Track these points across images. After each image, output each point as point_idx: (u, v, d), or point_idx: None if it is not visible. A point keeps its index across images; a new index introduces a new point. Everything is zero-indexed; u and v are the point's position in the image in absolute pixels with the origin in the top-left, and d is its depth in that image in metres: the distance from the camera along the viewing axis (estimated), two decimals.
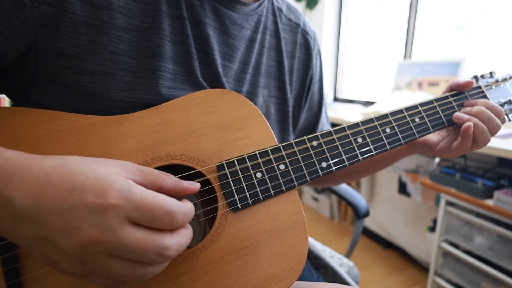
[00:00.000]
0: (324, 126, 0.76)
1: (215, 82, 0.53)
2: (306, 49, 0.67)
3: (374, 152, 0.52)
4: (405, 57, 2.20)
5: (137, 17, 0.46)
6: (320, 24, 2.71)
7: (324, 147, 0.50)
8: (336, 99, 2.84)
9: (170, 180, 0.36)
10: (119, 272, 0.31)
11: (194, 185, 0.38)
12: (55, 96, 0.44)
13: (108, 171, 0.31)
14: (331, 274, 0.83)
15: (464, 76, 1.68)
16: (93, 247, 0.29)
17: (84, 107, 0.44)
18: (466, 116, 0.56)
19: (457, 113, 0.58)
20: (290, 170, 0.47)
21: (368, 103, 2.39)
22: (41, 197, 0.29)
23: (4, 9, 0.39)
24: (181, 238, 0.33)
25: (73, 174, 0.30)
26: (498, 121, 0.56)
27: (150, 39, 0.47)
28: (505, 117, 0.60)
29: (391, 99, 1.90)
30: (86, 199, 0.29)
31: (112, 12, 0.44)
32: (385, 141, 0.53)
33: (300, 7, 2.83)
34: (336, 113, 2.13)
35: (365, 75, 2.63)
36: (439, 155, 0.61)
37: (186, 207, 0.34)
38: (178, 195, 0.37)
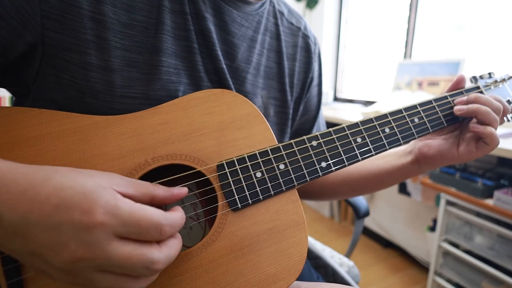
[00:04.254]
0: (320, 130, 0.76)
1: (219, 77, 0.53)
2: (306, 52, 0.67)
3: (373, 152, 0.52)
4: (405, 57, 2.20)
5: (142, 13, 0.46)
6: (320, 24, 2.71)
7: (324, 147, 0.50)
8: (336, 99, 2.84)
9: (160, 189, 0.37)
10: (106, 286, 0.32)
11: (183, 190, 0.39)
12: (63, 91, 0.44)
13: (96, 185, 0.31)
14: (331, 274, 0.83)
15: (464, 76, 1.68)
16: (81, 263, 0.29)
17: (91, 103, 0.44)
18: (465, 107, 0.56)
19: (456, 107, 0.57)
20: (290, 170, 0.47)
21: (368, 103, 2.39)
22: (28, 212, 0.29)
23: (15, 2, 0.39)
24: (170, 250, 0.34)
25: (61, 188, 0.30)
26: (497, 103, 0.55)
27: (155, 34, 0.47)
28: (505, 118, 0.60)
29: (391, 99, 1.90)
30: (72, 216, 0.29)
31: (116, 9, 0.44)
32: (385, 141, 0.53)
33: (300, 7, 2.83)
34: (336, 113, 2.14)
35: (365, 75, 2.63)
36: (464, 159, 0.59)
37: (174, 218, 0.34)
38: (170, 203, 0.38)
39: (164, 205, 0.38)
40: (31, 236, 0.29)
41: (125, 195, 0.33)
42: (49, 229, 0.29)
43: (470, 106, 0.55)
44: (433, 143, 0.61)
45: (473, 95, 0.56)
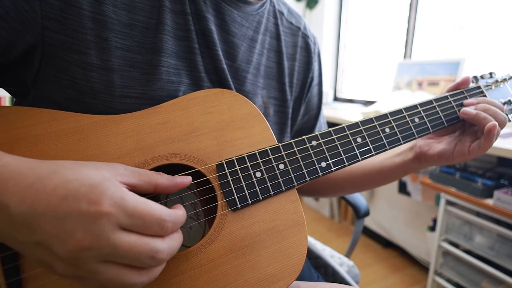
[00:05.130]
0: (322, 129, 0.76)
1: (219, 77, 0.53)
2: (306, 52, 0.68)
3: (373, 152, 0.52)
4: (405, 56, 2.20)
5: (143, 13, 0.46)
6: (320, 24, 2.71)
7: (324, 147, 0.50)
8: (336, 98, 2.84)
9: (163, 177, 0.38)
10: (108, 278, 0.32)
11: (186, 178, 0.40)
12: (62, 91, 0.44)
13: (102, 177, 0.32)
14: (331, 274, 0.83)
15: (464, 75, 1.68)
16: (86, 253, 0.30)
17: (91, 103, 0.44)
18: (474, 111, 0.56)
19: (464, 109, 0.57)
20: (290, 169, 0.47)
21: (368, 103, 2.39)
22: (35, 203, 0.30)
23: (15, 2, 0.39)
24: (173, 242, 0.35)
25: (67, 181, 0.31)
26: (504, 114, 0.56)
27: (155, 34, 0.47)
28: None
29: (391, 98, 1.90)
30: (79, 207, 0.30)
31: (117, 9, 0.44)
32: (385, 141, 0.53)
33: (300, 7, 2.83)
34: (336, 112, 2.14)
35: (365, 74, 2.63)
36: (457, 160, 0.60)
37: (176, 215, 0.35)
38: (173, 191, 0.39)
39: (166, 195, 0.38)
40: (38, 226, 0.30)
41: (129, 185, 0.35)
42: (56, 219, 0.30)
43: (478, 114, 0.55)
44: (434, 143, 0.62)
45: (481, 105, 0.56)
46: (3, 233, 0.32)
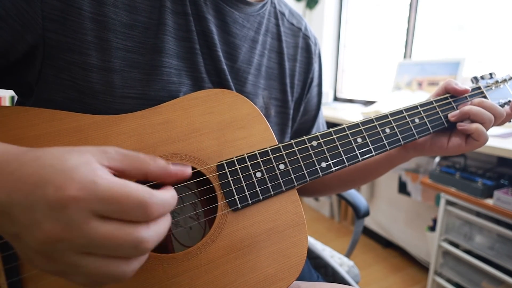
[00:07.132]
0: (320, 130, 0.76)
1: (220, 78, 0.53)
2: (307, 52, 0.68)
3: (374, 153, 0.52)
4: (405, 56, 2.20)
5: (144, 14, 0.46)
6: (320, 24, 2.71)
7: (324, 147, 0.50)
8: (336, 98, 2.84)
9: (156, 164, 0.33)
10: (92, 271, 0.28)
11: (184, 170, 0.35)
12: (63, 92, 0.44)
13: (79, 161, 0.29)
14: (331, 274, 0.83)
15: (464, 75, 1.68)
16: (58, 245, 0.27)
17: (92, 103, 0.44)
18: (457, 112, 0.57)
19: (451, 113, 0.58)
20: (290, 170, 0.47)
21: (368, 103, 2.39)
22: (12, 191, 0.27)
23: (16, 3, 0.39)
24: (159, 227, 0.31)
25: (43, 167, 0.28)
26: (489, 114, 0.55)
27: (156, 35, 0.47)
28: None
29: (391, 98, 1.90)
30: (46, 193, 0.27)
31: (117, 9, 0.44)
32: (385, 142, 0.53)
33: (300, 7, 2.83)
34: (336, 112, 2.14)
35: (365, 74, 2.63)
36: (451, 152, 0.60)
37: (163, 196, 0.30)
38: (166, 182, 0.35)
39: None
40: (14, 216, 0.27)
41: (115, 169, 0.31)
42: (25, 208, 0.27)
43: (462, 109, 0.56)
44: None
45: (465, 108, 0.56)
46: None
